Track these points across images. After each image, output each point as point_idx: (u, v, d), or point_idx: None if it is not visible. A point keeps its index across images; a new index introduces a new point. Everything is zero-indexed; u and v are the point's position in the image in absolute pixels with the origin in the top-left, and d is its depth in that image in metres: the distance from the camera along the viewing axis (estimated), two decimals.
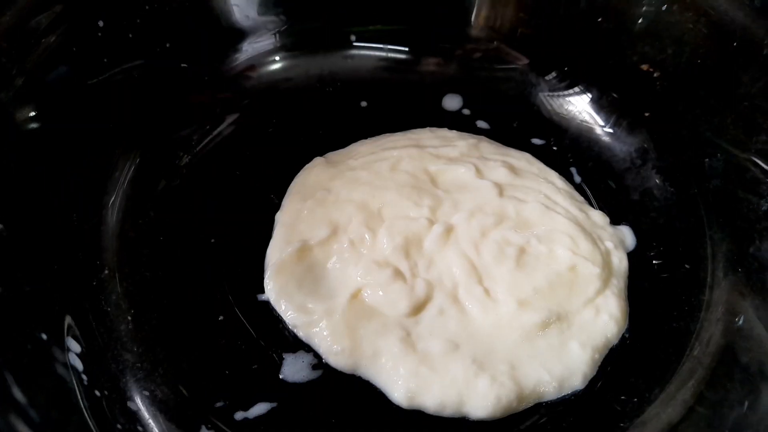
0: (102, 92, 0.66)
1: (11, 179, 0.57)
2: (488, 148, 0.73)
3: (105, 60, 0.66)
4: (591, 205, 0.69)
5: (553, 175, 0.71)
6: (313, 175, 0.69)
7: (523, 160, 0.72)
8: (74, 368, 0.50)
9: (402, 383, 0.54)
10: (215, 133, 0.73)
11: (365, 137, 0.74)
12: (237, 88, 0.77)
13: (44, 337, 0.50)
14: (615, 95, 0.74)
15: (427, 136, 0.73)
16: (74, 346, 0.52)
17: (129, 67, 0.69)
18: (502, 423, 0.53)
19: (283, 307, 0.58)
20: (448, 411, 0.53)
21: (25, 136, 0.60)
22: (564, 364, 0.56)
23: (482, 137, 0.75)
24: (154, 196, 0.67)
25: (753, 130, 0.63)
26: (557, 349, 0.56)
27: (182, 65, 0.73)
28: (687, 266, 0.63)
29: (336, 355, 0.55)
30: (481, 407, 0.53)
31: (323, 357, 0.56)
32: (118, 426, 0.49)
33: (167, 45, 0.72)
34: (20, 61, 0.60)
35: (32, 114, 0.61)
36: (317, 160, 0.71)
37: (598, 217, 0.66)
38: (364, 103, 0.78)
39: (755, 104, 0.63)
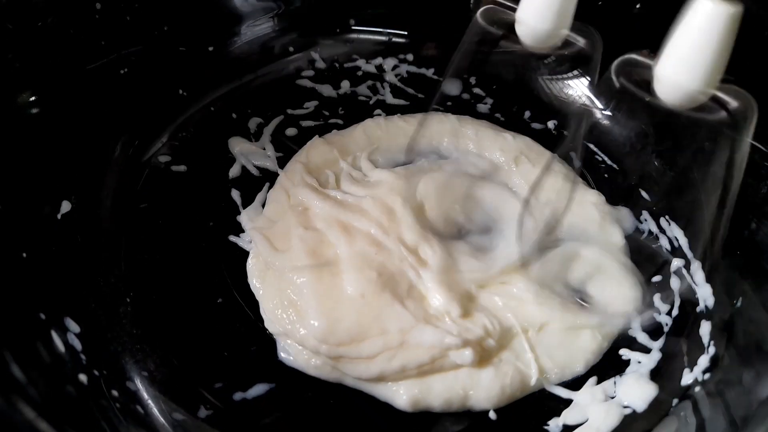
0: (101, 76, 0.66)
1: (9, 161, 0.57)
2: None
3: (102, 43, 0.66)
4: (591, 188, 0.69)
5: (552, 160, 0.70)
6: (313, 153, 0.69)
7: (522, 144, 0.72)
8: (73, 348, 0.50)
9: (404, 391, 0.53)
10: (214, 115, 0.74)
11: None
12: (236, 71, 0.76)
13: (43, 317, 0.50)
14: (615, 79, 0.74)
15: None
16: (73, 326, 0.52)
17: (127, 52, 0.69)
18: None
19: None
20: (454, 407, 0.53)
21: (24, 119, 0.60)
22: (570, 352, 0.56)
23: (483, 121, 0.75)
24: (152, 179, 0.67)
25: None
26: (566, 337, 0.57)
27: (180, 49, 0.73)
28: (686, 249, 0.63)
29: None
30: (485, 399, 0.53)
31: None
32: (117, 405, 0.49)
33: (165, 28, 0.71)
34: (17, 43, 0.59)
35: (31, 98, 0.61)
36: (316, 139, 0.71)
37: (595, 198, 0.67)
38: (363, 88, 0.78)
39: (756, 88, 0.63)
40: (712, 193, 0.57)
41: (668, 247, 0.64)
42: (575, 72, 0.76)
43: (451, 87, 0.78)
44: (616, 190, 0.70)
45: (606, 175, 0.71)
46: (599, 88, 0.57)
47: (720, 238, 0.57)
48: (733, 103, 0.46)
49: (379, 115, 0.76)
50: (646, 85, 0.48)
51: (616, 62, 0.51)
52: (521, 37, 0.53)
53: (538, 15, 0.51)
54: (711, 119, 0.47)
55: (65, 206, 0.59)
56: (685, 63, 0.44)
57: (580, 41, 0.53)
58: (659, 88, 0.46)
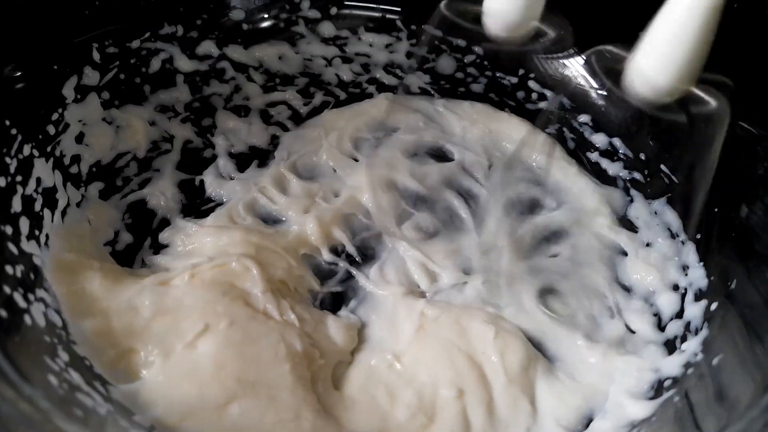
0: (85, 53, 0.64)
1: None
2: (482, 113, 0.74)
3: (86, 12, 0.64)
4: (585, 169, 0.69)
5: (544, 140, 0.71)
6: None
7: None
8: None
9: None
10: (202, 94, 0.72)
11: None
12: (224, 46, 0.74)
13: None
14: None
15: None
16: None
17: (114, 27, 0.66)
18: None
19: None
20: None
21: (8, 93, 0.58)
22: None
23: (475, 103, 0.75)
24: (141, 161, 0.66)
25: (749, 95, 0.62)
26: None
27: (167, 24, 0.71)
28: (680, 231, 0.63)
29: None
30: None
31: None
32: None
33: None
34: None
35: (16, 73, 0.58)
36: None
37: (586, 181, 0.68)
38: (356, 67, 0.77)
39: (753, 69, 0.62)
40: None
41: (662, 228, 0.64)
42: (571, 51, 0.75)
43: (446, 66, 0.77)
44: (610, 172, 0.70)
45: (600, 157, 0.71)
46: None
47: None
48: (710, 104, 0.44)
49: (371, 95, 0.75)
50: (616, 78, 0.45)
51: (588, 53, 0.49)
52: (489, 29, 0.48)
53: (506, 4, 0.47)
54: (681, 119, 0.47)
55: (47, 181, 0.58)
56: (661, 57, 0.41)
57: (551, 33, 0.50)
58: (632, 82, 0.43)
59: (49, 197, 0.56)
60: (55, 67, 0.61)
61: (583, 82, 0.74)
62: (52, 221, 0.55)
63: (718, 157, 0.49)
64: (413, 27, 0.77)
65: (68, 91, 0.61)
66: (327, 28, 0.77)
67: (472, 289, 0.59)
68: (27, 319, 0.45)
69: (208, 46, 0.73)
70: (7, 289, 0.45)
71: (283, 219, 0.62)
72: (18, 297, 0.46)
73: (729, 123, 0.45)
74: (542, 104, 0.75)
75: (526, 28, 0.48)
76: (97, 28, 0.65)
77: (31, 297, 0.47)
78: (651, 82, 0.42)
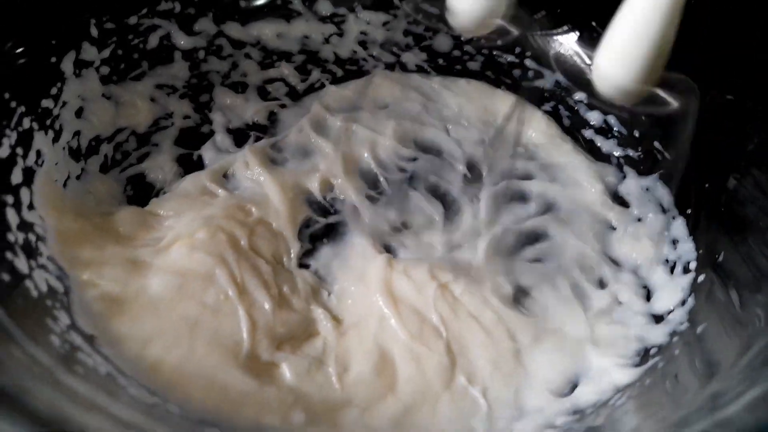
0: (83, 28, 0.64)
1: None
2: (478, 90, 0.74)
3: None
4: (579, 147, 0.71)
5: (540, 118, 0.71)
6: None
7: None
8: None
9: None
10: (200, 71, 0.72)
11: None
12: (219, 23, 0.74)
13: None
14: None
15: None
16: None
17: (107, 4, 0.66)
18: None
19: None
20: None
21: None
22: None
23: (471, 80, 0.75)
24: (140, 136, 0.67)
25: (742, 72, 0.62)
26: None
27: (165, 0, 0.71)
28: (672, 206, 0.64)
29: None
30: None
31: None
32: None
33: None
34: None
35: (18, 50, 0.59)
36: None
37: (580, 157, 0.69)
38: (353, 43, 0.77)
39: (743, 43, 0.62)
40: None
41: (653, 203, 0.65)
42: (565, 27, 0.75)
43: (442, 43, 0.78)
44: (604, 149, 0.71)
45: (595, 134, 0.72)
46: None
47: None
48: (673, 103, 0.43)
49: (368, 72, 0.75)
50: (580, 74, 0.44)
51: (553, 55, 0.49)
52: (453, 25, 0.49)
53: (469, 4, 0.47)
54: (655, 113, 0.45)
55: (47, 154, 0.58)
56: (621, 56, 0.40)
57: (515, 31, 0.50)
58: (596, 81, 0.43)
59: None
60: (54, 42, 0.61)
61: (578, 60, 0.75)
62: None
63: (688, 147, 0.50)
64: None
65: (67, 65, 0.62)
66: (324, 6, 0.78)
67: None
68: (29, 284, 0.47)
69: (205, 23, 0.74)
70: (9, 255, 0.46)
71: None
72: (20, 263, 0.47)
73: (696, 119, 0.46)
74: (539, 82, 0.75)
75: (489, 25, 0.48)
76: (94, 2, 0.65)
77: (33, 263, 0.49)
78: (612, 83, 0.41)
